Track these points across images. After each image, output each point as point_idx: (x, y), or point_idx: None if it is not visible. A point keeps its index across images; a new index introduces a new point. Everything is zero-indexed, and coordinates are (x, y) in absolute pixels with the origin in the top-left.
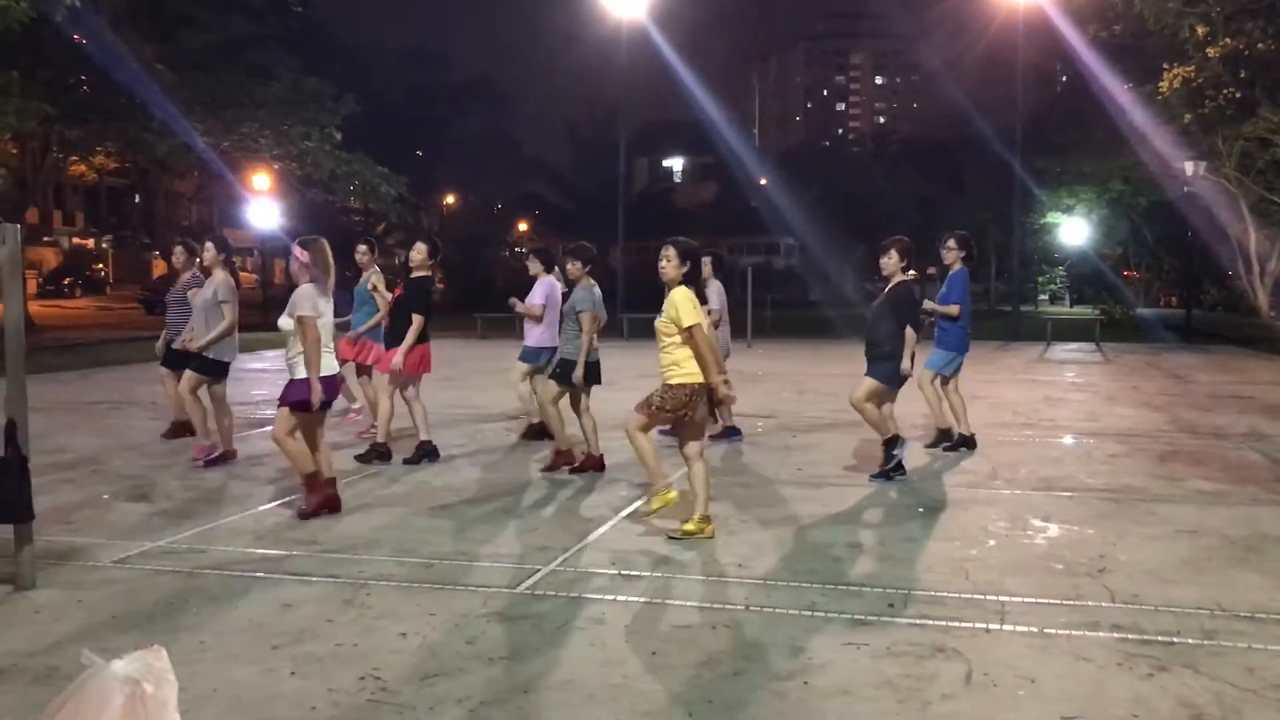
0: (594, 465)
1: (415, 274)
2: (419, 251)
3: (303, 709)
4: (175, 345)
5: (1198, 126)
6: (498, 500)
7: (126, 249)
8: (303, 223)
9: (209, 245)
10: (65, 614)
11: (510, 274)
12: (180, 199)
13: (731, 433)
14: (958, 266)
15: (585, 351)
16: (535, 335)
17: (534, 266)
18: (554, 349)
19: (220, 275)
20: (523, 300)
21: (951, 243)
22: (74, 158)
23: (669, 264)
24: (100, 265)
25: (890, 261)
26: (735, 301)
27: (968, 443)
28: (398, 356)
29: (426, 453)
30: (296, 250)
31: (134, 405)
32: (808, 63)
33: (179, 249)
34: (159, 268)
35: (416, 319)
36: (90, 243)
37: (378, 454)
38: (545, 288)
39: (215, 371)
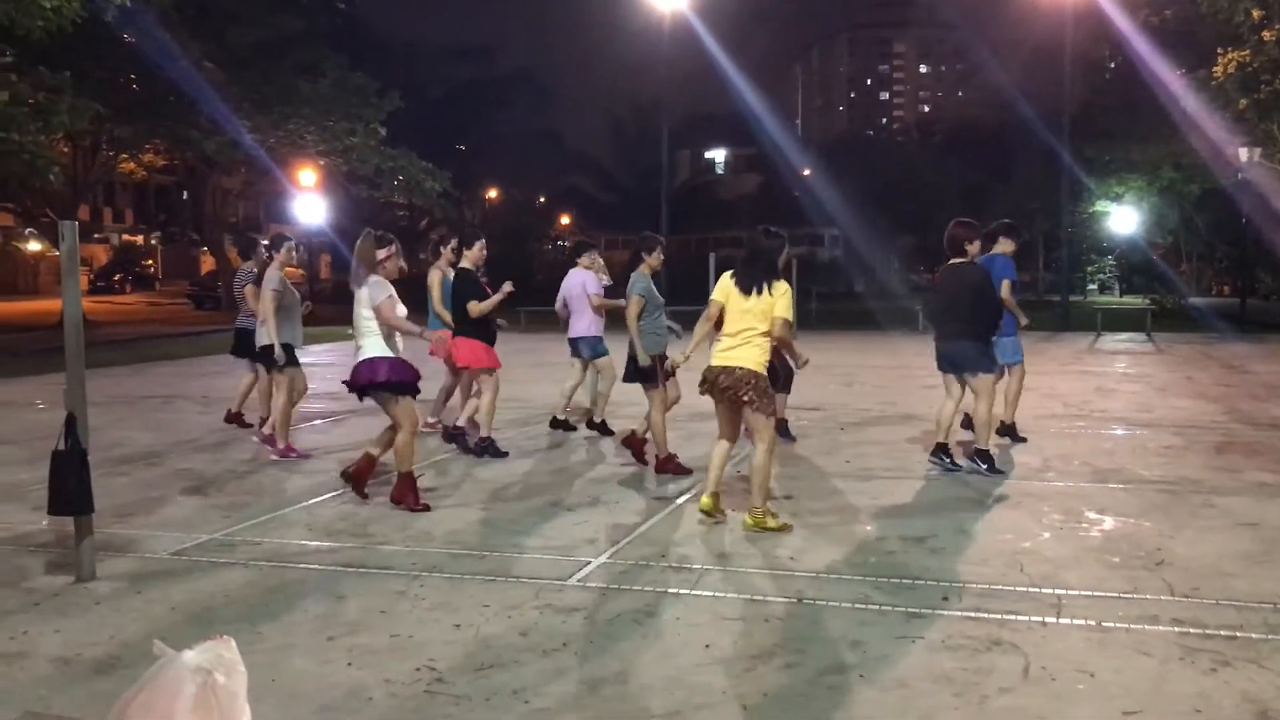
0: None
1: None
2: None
3: (359, 699)
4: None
5: (1252, 112)
6: (547, 493)
7: (174, 245)
8: (348, 218)
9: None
10: (125, 605)
11: (550, 267)
12: (227, 195)
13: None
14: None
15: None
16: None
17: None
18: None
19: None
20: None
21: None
22: (124, 155)
23: None
24: (149, 261)
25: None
26: None
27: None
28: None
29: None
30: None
31: (186, 399)
32: (851, 52)
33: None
34: (207, 263)
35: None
36: (139, 239)
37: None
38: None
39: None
